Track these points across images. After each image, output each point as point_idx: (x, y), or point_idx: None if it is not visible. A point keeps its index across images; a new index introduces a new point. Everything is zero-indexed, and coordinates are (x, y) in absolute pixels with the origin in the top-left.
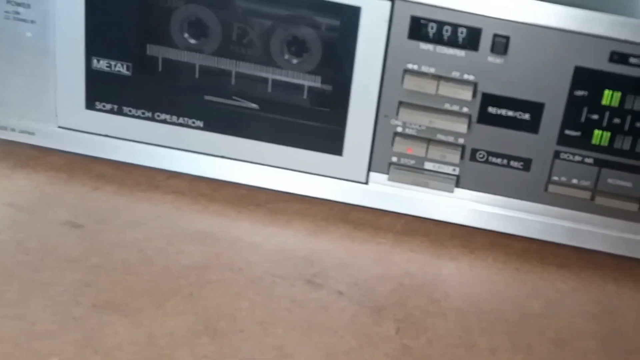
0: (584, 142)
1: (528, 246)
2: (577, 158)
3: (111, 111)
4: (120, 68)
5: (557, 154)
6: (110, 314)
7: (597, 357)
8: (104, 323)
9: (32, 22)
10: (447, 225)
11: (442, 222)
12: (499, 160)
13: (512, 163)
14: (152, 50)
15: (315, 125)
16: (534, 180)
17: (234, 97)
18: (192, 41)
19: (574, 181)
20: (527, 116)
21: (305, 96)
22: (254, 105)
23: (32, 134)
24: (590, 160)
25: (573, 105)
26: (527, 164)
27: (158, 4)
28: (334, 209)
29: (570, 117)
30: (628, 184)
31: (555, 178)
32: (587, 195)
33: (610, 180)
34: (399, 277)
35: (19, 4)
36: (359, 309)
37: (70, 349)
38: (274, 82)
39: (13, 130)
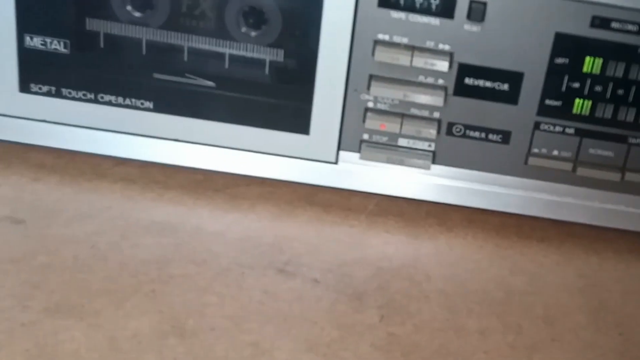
0: (564, 111)
1: (505, 221)
2: (558, 128)
3: (48, 94)
4: (57, 46)
5: (537, 125)
6: (64, 317)
7: (588, 333)
8: (57, 328)
9: None
10: (421, 204)
11: (415, 200)
12: (476, 134)
13: (491, 136)
14: (92, 24)
15: (279, 102)
16: (513, 154)
17: (186, 75)
18: (137, 14)
19: (555, 152)
20: (505, 86)
21: (266, 72)
22: (209, 83)
23: None
24: (571, 131)
25: (553, 74)
26: (506, 136)
27: None
28: (298, 191)
29: (551, 86)
30: (610, 154)
31: (536, 150)
32: (568, 166)
33: (591, 151)
34: (377, 260)
35: None
36: (337, 297)
37: None
38: (231, 57)
39: None
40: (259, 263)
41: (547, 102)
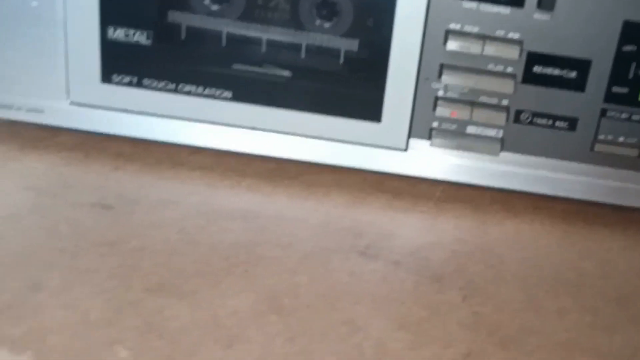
0: (631, 98)
1: (570, 207)
2: (624, 115)
3: (130, 84)
4: (139, 37)
5: (603, 112)
6: (166, 297)
7: None
8: (161, 307)
9: None
10: (485, 191)
11: (479, 187)
12: (544, 121)
13: (558, 123)
14: (173, 17)
15: (352, 91)
16: (579, 140)
17: (264, 65)
18: (215, 6)
19: (621, 139)
20: (573, 74)
21: (340, 61)
22: (285, 73)
23: (40, 111)
24: (637, 117)
25: (621, 61)
26: (572, 123)
27: None
28: (367, 179)
29: (618, 73)
30: None
31: (602, 137)
32: (634, 152)
33: None
34: (451, 244)
35: None
36: (419, 279)
37: (132, 335)
38: (306, 47)
39: (19, 109)
40: (341, 247)
41: (614, 89)
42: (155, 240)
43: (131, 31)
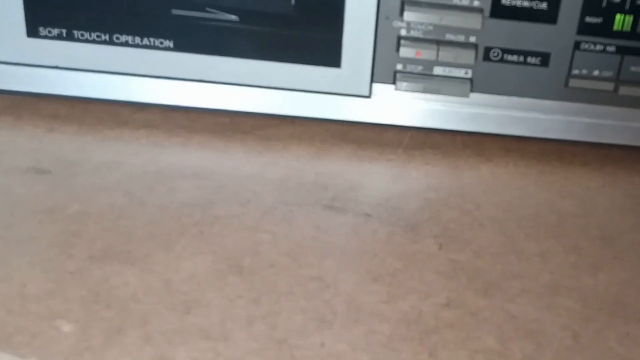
0: (605, 29)
1: (544, 147)
2: (599, 47)
3: (59, 37)
4: None
5: (577, 45)
6: (112, 263)
7: None
8: (107, 274)
9: None
10: (455, 135)
11: (449, 131)
12: (514, 58)
13: (529, 59)
14: None
15: (306, 34)
16: (553, 76)
17: (207, 9)
18: None
19: (596, 73)
20: (544, 5)
21: (292, 1)
22: (232, 17)
23: None
24: (612, 49)
25: None
26: (545, 58)
27: None
28: (330, 129)
29: (591, 2)
30: None
31: (576, 71)
32: (610, 86)
33: (633, 68)
34: (423, 192)
35: None
36: (392, 229)
37: (76, 307)
38: None
39: None
40: (305, 201)
41: (587, 19)
42: (100, 204)
43: None
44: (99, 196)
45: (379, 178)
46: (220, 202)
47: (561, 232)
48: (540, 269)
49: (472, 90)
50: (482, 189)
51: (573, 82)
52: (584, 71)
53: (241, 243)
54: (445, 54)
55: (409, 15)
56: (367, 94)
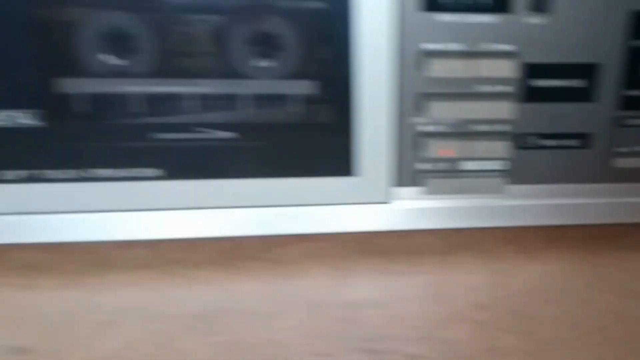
0: None
1: (589, 232)
2: None
3: (24, 179)
4: (26, 119)
5: (617, 121)
6: None
7: None
8: None
9: None
10: (494, 231)
11: (485, 228)
12: (552, 142)
13: (567, 142)
14: (65, 85)
15: (312, 144)
16: (594, 158)
17: (196, 129)
18: (114, 62)
19: None
20: (579, 82)
21: (292, 109)
22: (225, 135)
23: None
24: None
25: (630, 60)
26: (584, 139)
27: (57, 19)
28: (349, 242)
29: (629, 74)
30: None
31: (619, 150)
32: None
33: None
34: (471, 313)
35: None
36: None
37: None
38: (246, 97)
39: None
40: (338, 348)
41: (626, 92)
42: None
43: (13, 113)
44: None
45: (414, 300)
46: None
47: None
48: None
49: (506, 183)
50: (537, 299)
51: (616, 162)
52: (628, 148)
53: None
54: (476, 147)
55: (429, 111)
56: (384, 200)
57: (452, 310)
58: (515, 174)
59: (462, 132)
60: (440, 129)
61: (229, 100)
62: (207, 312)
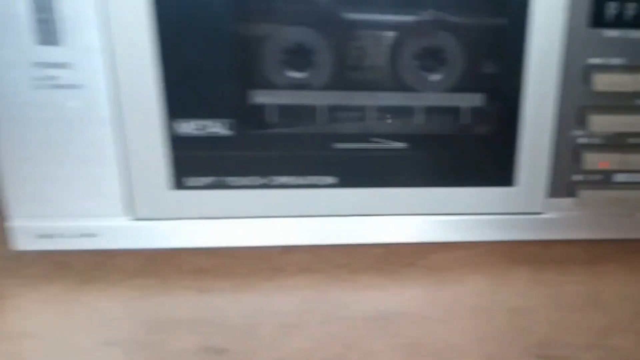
0: None
1: None
2: None
3: (209, 186)
4: (217, 128)
5: None
6: None
7: None
8: None
9: (76, 86)
10: (636, 243)
11: (628, 240)
12: None
13: None
14: (256, 96)
15: (477, 153)
16: None
17: (371, 140)
18: (298, 75)
19: None
20: None
21: (461, 121)
22: (398, 145)
23: (92, 236)
24: None
25: None
26: None
27: (254, 33)
28: (496, 250)
29: None
30: None
31: None
32: None
33: None
34: (628, 318)
35: (55, 66)
36: None
37: None
38: (419, 110)
39: (62, 236)
40: (513, 352)
41: None
42: None
43: (205, 122)
44: None
45: (572, 307)
46: None
47: None
48: None
49: None
50: None
51: None
52: None
53: None
54: (630, 160)
55: (592, 124)
56: (539, 210)
57: (612, 319)
58: None
59: (617, 144)
60: (596, 141)
61: (402, 112)
62: (380, 315)
